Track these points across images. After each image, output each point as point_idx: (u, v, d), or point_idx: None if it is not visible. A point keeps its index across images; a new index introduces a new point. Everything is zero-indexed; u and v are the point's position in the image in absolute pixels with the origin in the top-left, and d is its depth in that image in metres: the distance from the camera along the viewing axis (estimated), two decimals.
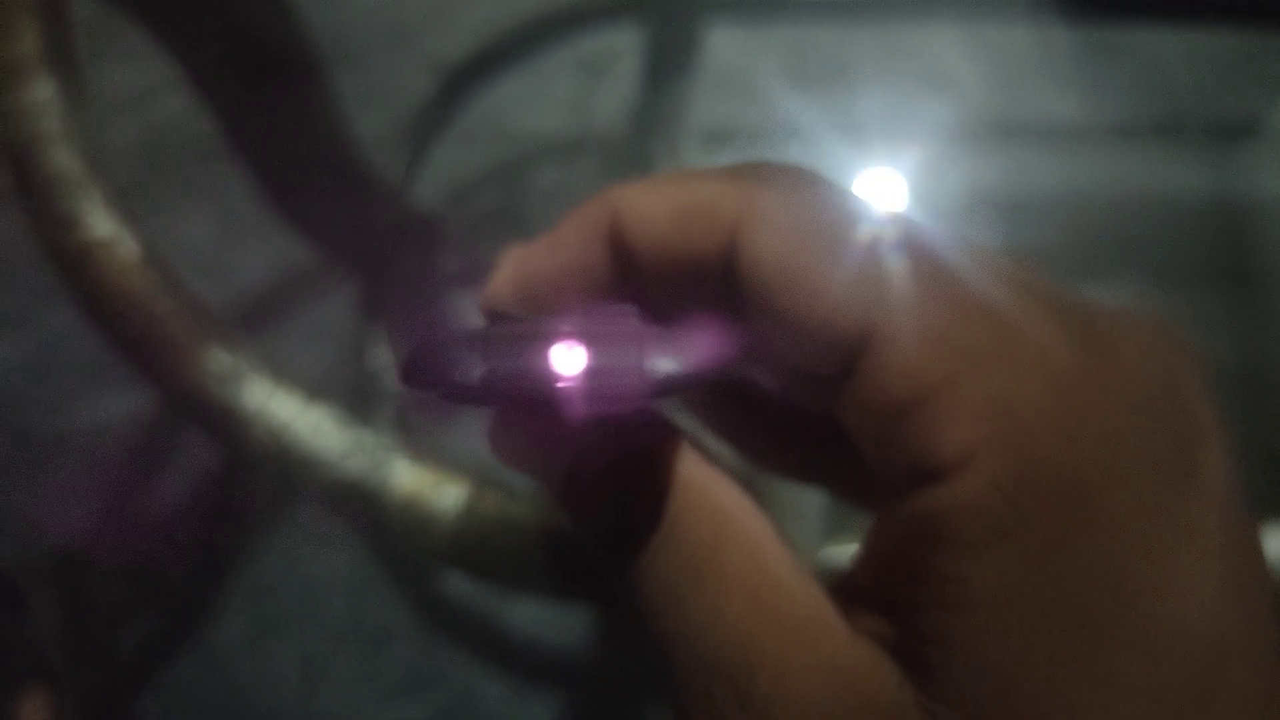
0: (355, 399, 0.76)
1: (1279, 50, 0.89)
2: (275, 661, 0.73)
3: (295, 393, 0.30)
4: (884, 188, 0.71)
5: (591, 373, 0.13)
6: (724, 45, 0.86)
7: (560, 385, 0.13)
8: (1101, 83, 0.88)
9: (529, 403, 0.13)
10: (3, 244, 0.80)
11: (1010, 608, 0.12)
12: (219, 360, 0.30)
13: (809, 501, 0.27)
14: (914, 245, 0.15)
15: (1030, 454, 0.13)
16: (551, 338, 0.13)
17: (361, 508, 0.29)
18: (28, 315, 0.83)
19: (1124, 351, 0.14)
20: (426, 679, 0.72)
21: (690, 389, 0.14)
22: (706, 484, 0.15)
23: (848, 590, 0.15)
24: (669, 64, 0.81)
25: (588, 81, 0.92)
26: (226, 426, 0.30)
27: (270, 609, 0.74)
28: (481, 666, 0.72)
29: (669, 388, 0.13)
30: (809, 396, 0.19)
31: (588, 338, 0.13)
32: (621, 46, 0.90)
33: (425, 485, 0.28)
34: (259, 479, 0.75)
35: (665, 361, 0.13)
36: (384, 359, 0.77)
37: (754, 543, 0.15)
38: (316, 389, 0.30)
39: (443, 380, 0.13)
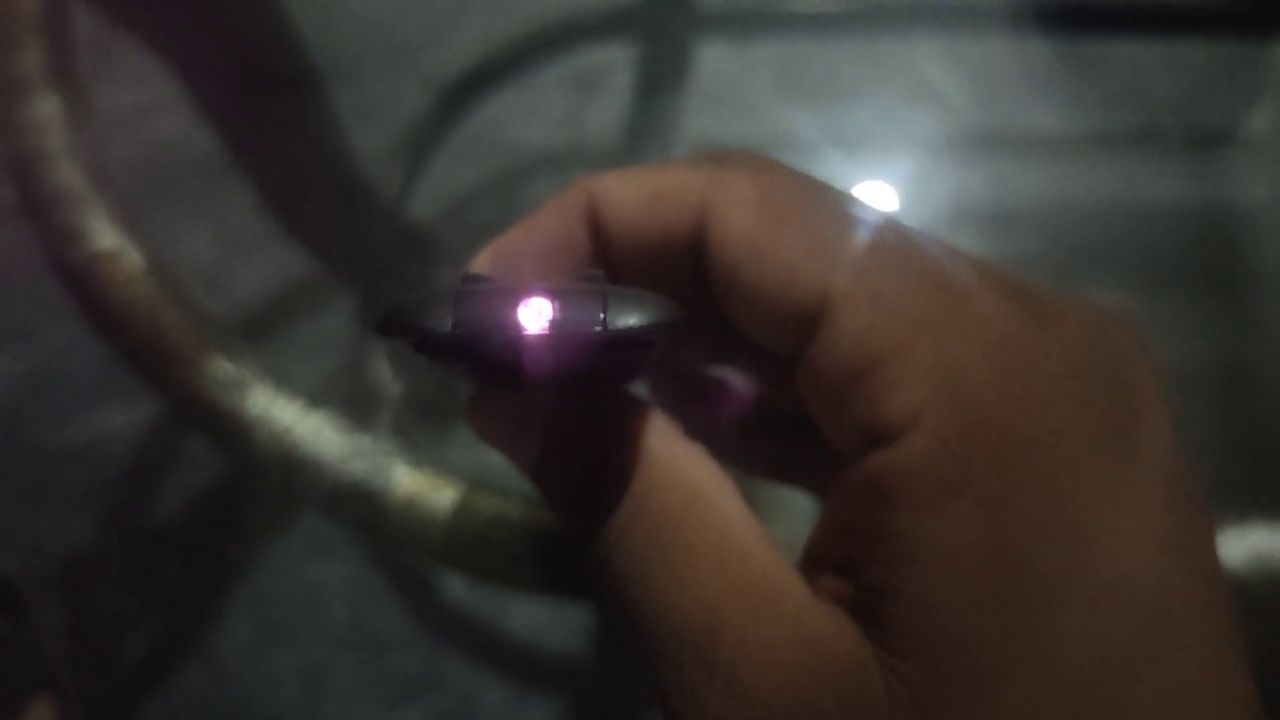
0: (354, 407, 0.77)
1: (1254, 60, 0.90)
2: (277, 668, 0.73)
3: (296, 399, 0.30)
4: (873, 199, 0.72)
5: (556, 324, 0.13)
6: (715, 60, 0.87)
7: (526, 335, 0.13)
8: (1081, 93, 0.88)
9: (497, 354, 0.13)
10: (3, 259, 0.81)
11: (958, 561, 0.13)
12: (223, 368, 0.31)
13: (796, 498, 0.27)
14: (871, 223, 0.15)
15: (975, 414, 0.13)
16: (520, 293, 0.13)
17: (362, 509, 0.29)
18: (29, 330, 0.83)
19: (1067, 323, 0.14)
20: (427, 685, 0.72)
21: (653, 344, 0.14)
22: (675, 458, 0.16)
23: (809, 556, 0.15)
24: (661, 78, 0.82)
25: (581, 96, 0.92)
26: (230, 432, 0.30)
27: (272, 617, 0.74)
28: (481, 672, 0.72)
29: (632, 340, 0.13)
30: (780, 392, 0.19)
31: (554, 294, 0.13)
32: (614, 62, 0.91)
33: (424, 488, 0.28)
34: (261, 488, 0.75)
35: (628, 315, 0.13)
36: (381, 368, 0.77)
37: (721, 514, 0.15)
38: (316, 397, 0.30)
39: (414, 329, 0.13)
